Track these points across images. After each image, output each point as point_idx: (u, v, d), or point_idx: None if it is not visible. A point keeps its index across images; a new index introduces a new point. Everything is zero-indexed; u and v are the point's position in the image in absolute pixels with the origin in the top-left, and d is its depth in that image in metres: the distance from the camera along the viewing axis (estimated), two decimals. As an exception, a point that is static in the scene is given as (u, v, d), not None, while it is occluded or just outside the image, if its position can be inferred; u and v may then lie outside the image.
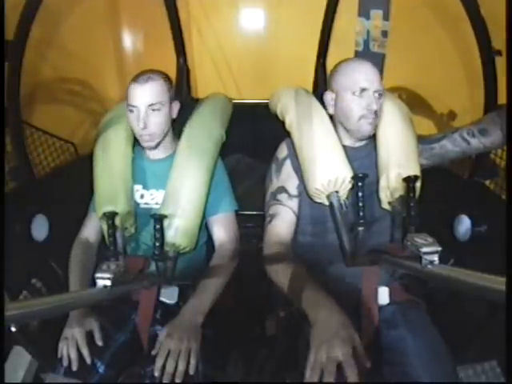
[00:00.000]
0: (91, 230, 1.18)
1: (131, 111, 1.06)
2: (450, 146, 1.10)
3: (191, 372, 0.88)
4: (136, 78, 1.06)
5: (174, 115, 1.14)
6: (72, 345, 0.93)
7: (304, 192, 1.07)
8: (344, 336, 0.73)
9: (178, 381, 0.85)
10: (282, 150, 1.15)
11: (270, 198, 1.12)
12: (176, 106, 1.14)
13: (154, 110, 1.05)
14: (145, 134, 1.07)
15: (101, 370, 0.95)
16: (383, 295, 1.03)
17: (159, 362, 0.86)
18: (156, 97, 1.05)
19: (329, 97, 1.08)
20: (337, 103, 1.06)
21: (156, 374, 0.85)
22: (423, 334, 0.94)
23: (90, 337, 0.97)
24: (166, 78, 1.11)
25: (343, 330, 0.74)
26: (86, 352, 0.93)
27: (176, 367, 0.86)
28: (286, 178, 1.10)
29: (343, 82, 1.03)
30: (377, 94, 1.01)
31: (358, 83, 1.00)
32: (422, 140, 1.11)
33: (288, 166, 1.11)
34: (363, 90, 1.00)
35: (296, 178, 1.09)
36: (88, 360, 0.93)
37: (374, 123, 1.02)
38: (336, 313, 0.78)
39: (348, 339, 0.72)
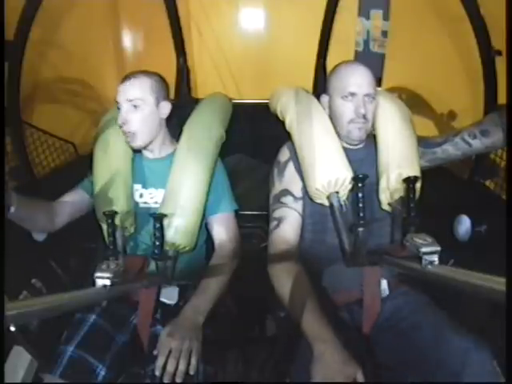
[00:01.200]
0: (66, 198, 1.15)
1: (118, 108, 1.09)
2: (452, 150, 1.10)
3: (192, 372, 0.88)
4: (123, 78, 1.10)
5: (163, 115, 1.13)
6: None
7: (306, 193, 1.07)
8: (347, 374, 0.77)
9: (178, 380, 0.85)
10: (284, 154, 1.14)
11: (274, 201, 1.11)
12: (166, 105, 1.12)
13: (134, 106, 1.07)
14: (126, 130, 1.08)
15: (102, 372, 0.95)
16: (383, 288, 1.04)
17: (160, 361, 0.86)
18: (135, 93, 1.07)
19: (324, 100, 1.11)
20: (330, 106, 1.09)
21: (157, 373, 0.85)
22: (424, 305, 0.98)
23: (90, 338, 0.97)
24: (155, 77, 1.12)
25: (346, 369, 0.78)
26: None
27: (177, 367, 0.86)
28: (290, 180, 1.10)
29: (335, 86, 1.06)
30: (367, 98, 1.02)
31: (347, 87, 1.03)
32: (423, 143, 1.11)
33: (291, 169, 1.11)
34: (352, 94, 1.02)
35: (300, 181, 1.08)
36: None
37: (364, 128, 1.04)
38: (340, 351, 0.81)
39: (350, 377, 0.77)
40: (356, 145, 1.09)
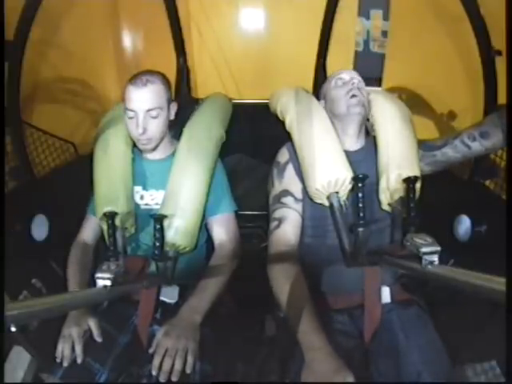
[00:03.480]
0: (89, 232, 1.19)
1: (129, 116, 1.05)
2: (452, 153, 1.10)
3: (188, 371, 0.88)
4: (134, 80, 1.05)
5: (172, 117, 1.13)
6: (67, 342, 0.93)
7: (306, 194, 1.07)
8: (336, 382, 0.77)
9: (174, 379, 0.85)
10: (283, 155, 1.15)
11: (274, 201, 1.11)
12: (174, 107, 1.13)
13: (152, 115, 1.05)
14: (143, 138, 1.07)
15: (103, 376, 0.94)
16: (385, 294, 1.04)
17: (156, 361, 0.87)
18: (155, 102, 1.04)
19: (321, 103, 1.15)
20: (326, 103, 1.13)
21: (153, 372, 0.86)
22: (417, 334, 0.96)
23: (91, 340, 0.97)
24: (164, 79, 1.10)
25: (335, 377, 0.77)
26: (79, 349, 0.92)
27: (173, 366, 0.86)
28: (290, 181, 1.10)
29: (328, 84, 1.14)
30: (356, 82, 1.10)
31: (339, 78, 1.11)
32: (422, 145, 1.11)
33: (290, 171, 1.11)
34: (344, 80, 1.11)
35: (299, 183, 1.08)
36: (79, 359, 0.92)
37: (361, 102, 1.06)
38: (330, 359, 0.80)
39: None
40: (359, 139, 1.11)
